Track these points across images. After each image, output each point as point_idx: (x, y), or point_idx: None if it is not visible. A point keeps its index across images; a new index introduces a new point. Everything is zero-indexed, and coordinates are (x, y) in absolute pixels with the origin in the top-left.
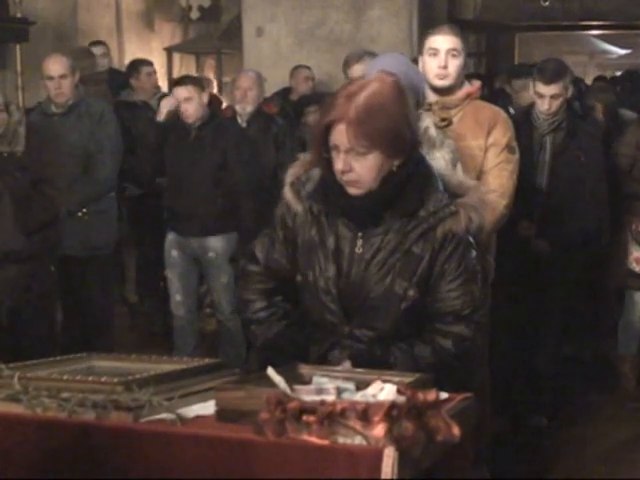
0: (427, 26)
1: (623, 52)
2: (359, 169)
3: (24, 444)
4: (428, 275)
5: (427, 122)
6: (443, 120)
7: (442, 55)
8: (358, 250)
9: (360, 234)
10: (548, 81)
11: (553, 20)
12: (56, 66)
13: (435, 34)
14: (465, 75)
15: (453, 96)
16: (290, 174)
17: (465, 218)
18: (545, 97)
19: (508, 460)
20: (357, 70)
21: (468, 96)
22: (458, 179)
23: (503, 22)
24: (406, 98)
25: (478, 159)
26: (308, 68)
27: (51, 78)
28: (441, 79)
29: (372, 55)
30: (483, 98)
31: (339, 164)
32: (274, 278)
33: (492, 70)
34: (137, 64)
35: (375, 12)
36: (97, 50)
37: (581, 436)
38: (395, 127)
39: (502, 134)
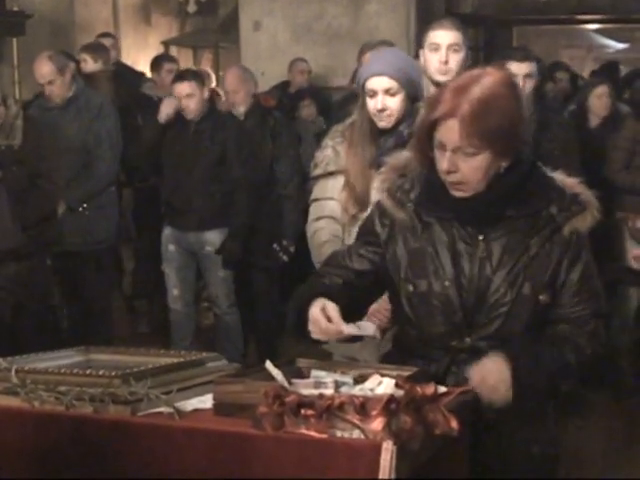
0: (425, 20)
1: (621, 46)
2: (465, 170)
3: (21, 437)
4: (555, 277)
5: None
6: None
7: (443, 50)
8: (482, 254)
9: (481, 237)
10: (522, 58)
11: (551, 14)
12: (42, 71)
13: (436, 29)
14: (467, 68)
15: None
16: (383, 180)
17: (591, 217)
18: (518, 76)
19: None
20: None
21: None
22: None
23: (501, 16)
24: (519, 94)
25: None
26: (305, 61)
27: (40, 83)
28: (442, 74)
29: (388, 45)
30: None
31: (444, 164)
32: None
33: (489, 64)
34: (160, 59)
35: (372, 6)
36: (106, 42)
37: (579, 432)
38: (510, 125)
39: None
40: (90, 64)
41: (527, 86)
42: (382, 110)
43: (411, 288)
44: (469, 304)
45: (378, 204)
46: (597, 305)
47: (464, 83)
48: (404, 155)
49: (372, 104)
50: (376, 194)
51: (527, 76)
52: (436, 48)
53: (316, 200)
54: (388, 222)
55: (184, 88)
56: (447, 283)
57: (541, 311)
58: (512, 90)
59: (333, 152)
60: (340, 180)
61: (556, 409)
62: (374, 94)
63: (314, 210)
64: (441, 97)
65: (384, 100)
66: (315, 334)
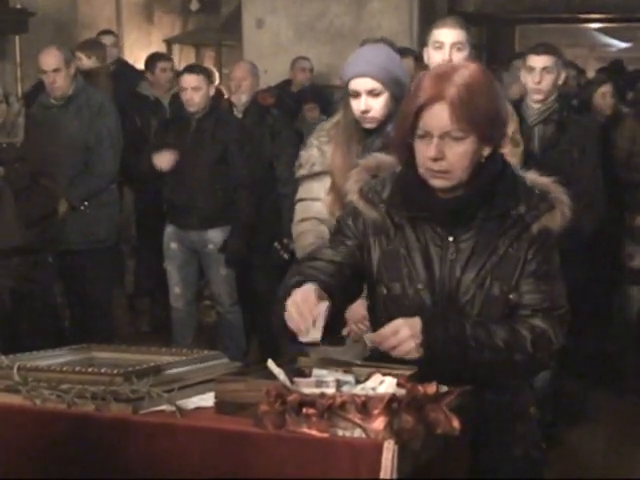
0: (427, 19)
1: (623, 45)
2: (451, 157)
3: (23, 435)
4: (520, 273)
5: None
6: None
7: (447, 49)
8: (451, 256)
9: (451, 239)
10: (541, 52)
11: (553, 13)
12: (50, 59)
13: (440, 27)
14: None
15: None
16: (355, 180)
17: (561, 215)
18: (536, 69)
19: None
20: None
21: None
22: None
23: (503, 15)
24: (497, 84)
25: None
26: (307, 59)
27: (45, 72)
28: None
29: (388, 43)
30: None
31: (431, 151)
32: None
33: (492, 63)
34: (154, 58)
35: (375, 4)
36: (107, 40)
37: (580, 432)
38: (494, 109)
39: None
40: (84, 61)
41: (545, 79)
42: (366, 111)
43: (384, 291)
44: (441, 307)
45: (350, 205)
46: (550, 306)
47: (444, 71)
48: (376, 156)
49: (356, 105)
50: (349, 195)
51: (545, 69)
52: (439, 46)
53: (301, 200)
54: (361, 223)
55: (192, 80)
56: (420, 286)
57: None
58: (491, 79)
59: (319, 152)
60: (326, 181)
61: (557, 409)
62: (357, 95)
63: (299, 211)
64: (422, 84)
65: (367, 101)
66: (291, 321)
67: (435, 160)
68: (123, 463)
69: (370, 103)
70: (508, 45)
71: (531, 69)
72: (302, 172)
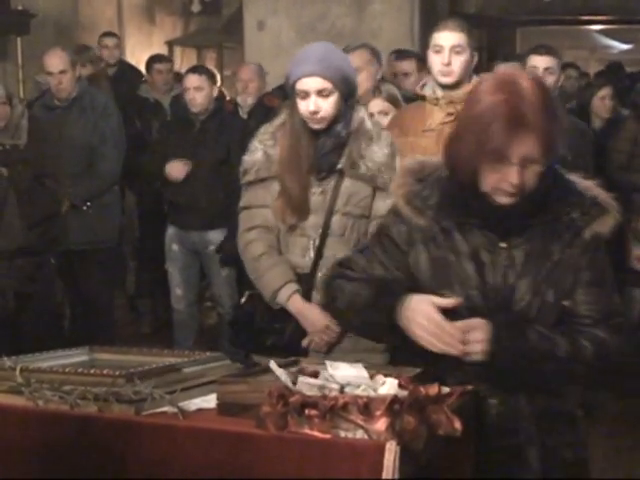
0: (429, 20)
1: (625, 47)
2: (527, 180)
3: (25, 437)
4: (575, 280)
5: (362, 114)
6: (450, 115)
7: (446, 52)
8: (504, 262)
9: (504, 245)
10: (543, 52)
11: (554, 15)
12: (56, 61)
13: (439, 30)
14: (474, 69)
15: (460, 90)
16: (399, 185)
17: (612, 219)
18: (538, 70)
19: None
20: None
21: None
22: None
23: (504, 17)
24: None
25: None
26: None
27: (51, 73)
28: (445, 76)
29: (369, 48)
30: None
31: (513, 178)
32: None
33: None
34: (151, 60)
35: (376, 6)
36: (109, 41)
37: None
38: (559, 125)
39: None
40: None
41: (548, 80)
42: (315, 112)
43: None
44: (495, 313)
45: (395, 211)
46: (608, 314)
47: (507, 91)
48: (418, 158)
49: (304, 106)
50: (393, 200)
51: (547, 70)
52: (439, 50)
53: (247, 208)
54: (406, 229)
55: (195, 80)
56: (472, 292)
57: (563, 316)
58: (549, 91)
59: (264, 156)
60: (273, 187)
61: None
62: (306, 95)
63: (245, 219)
64: (495, 107)
65: (317, 102)
66: (426, 339)
67: (516, 187)
68: (125, 464)
69: (320, 103)
70: (509, 47)
71: (534, 69)
72: (247, 178)
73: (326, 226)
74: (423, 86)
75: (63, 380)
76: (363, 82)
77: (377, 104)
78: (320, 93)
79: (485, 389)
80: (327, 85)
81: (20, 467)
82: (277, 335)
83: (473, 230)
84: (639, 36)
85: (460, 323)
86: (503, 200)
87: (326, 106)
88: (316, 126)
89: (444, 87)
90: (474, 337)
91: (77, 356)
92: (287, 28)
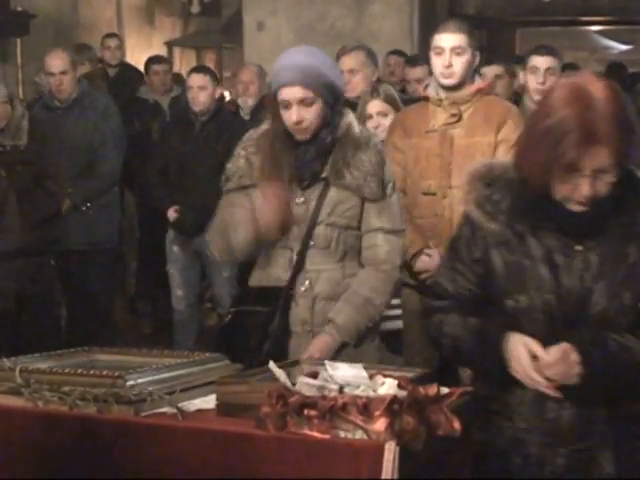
0: (428, 22)
1: (624, 48)
2: (599, 189)
3: (25, 437)
4: None
5: (350, 118)
6: (453, 116)
7: (446, 54)
8: (580, 265)
9: (579, 248)
10: (544, 53)
11: (554, 16)
12: (57, 62)
13: (440, 32)
14: (476, 69)
15: (462, 92)
16: (469, 190)
17: None
18: (539, 70)
19: None
20: (344, 62)
21: (478, 91)
22: None
23: (504, 17)
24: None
25: (488, 155)
26: None
27: (52, 74)
28: (446, 78)
29: (365, 50)
30: None
31: (585, 190)
32: (468, 311)
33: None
34: (148, 62)
35: (376, 7)
36: (111, 42)
37: None
38: (633, 133)
39: (512, 130)
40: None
41: (549, 80)
42: (299, 122)
43: (511, 303)
44: (571, 317)
45: (467, 217)
46: None
47: (586, 103)
48: (488, 162)
49: (287, 116)
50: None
51: (548, 70)
52: (439, 52)
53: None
54: (480, 235)
55: (198, 79)
56: (548, 296)
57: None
58: (622, 96)
59: (246, 163)
60: (255, 194)
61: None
62: (288, 105)
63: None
64: (567, 120)
65: (299, 111)
66: (521, 374)
67: (587, 196)
68: (125, 465)
69: (302, 113)
70: (509, 48)
71: (534, 70)
72: (230, 185)
73: (307, 237)
74: (426, 87)
75: (63, 381)
76: (359, 83)
77: (376, 105)
78: (302, 102)
79: (561, 397)
80: (309, 94)
81: (20, 467)
82: (253, 354)
83: (547, 234)
84: (639, 37)
85: (549, 357)
86: (576, 208)
87: (309, 116)
88: (300, 137)
89: (446, 88)
90: (571, 360)
91: (77, 357)
92: (287, 29)
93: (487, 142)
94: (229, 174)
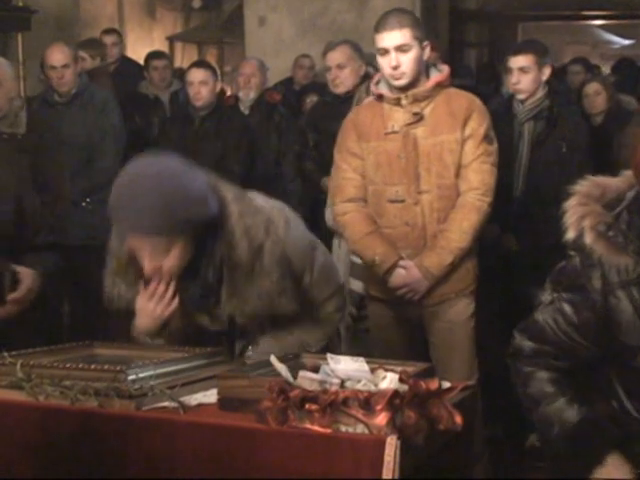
0: (429, 16)
1: (626, 42)
2: None
3: (26, 432)
4: None
5: (230, 236)
6: (415, 114)
7: (391, 54)
8: None
9: None
10: (515, 52)
11: (556, 10)
12: (59, 55)
13: (380, 30)
14: (434, 61)
15: (422, 87)
16: (583, 215)
17: None
18: (513, 70)
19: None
20: (331, 58)
21: (437, 85)
22: None
23: (506, 12)
24: None
25: (456, 153)
26: (307, 57)
27: (54, 68)
28: (397, 79)
29: (350, 44)
30: (488, 95)
31: None
32: (565, 373)
33: (494, 60)
34: (148, 57)
35: (377, 2)
36: (110, 38)
37: None
38: None
39: (479, 124)
40: (88, 61)
41: (523, 79)
42: (159, 275)
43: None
44: None
45: (584, 251)
46: None
47: None
48: (597, 180)
49: (146, 268)
50: (573, 234)
51: (521, 69)
52: (384, 52)
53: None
54: (598, 278)
55: (199, 74)
56: None
57: None
58: None
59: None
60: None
61: None
62: (140, 254)
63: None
64: None
65: (158, 260)
66: None
67: None
68: (126, 459)
69: (167, 265)
70: (511, 43)
71: (509, 70)
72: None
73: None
74: (377, 83)
75: (64, 375)
76: (347, 78)
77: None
78: (156, 252)
79: None
80: (162, 242)
81: (21, 462)
82: None
83: None
84: None
85: None
86: None
87: (166, 264)
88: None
89: (398, 90)
90: None
91: (78, 351)
92: (288, 24)
93: (454, 139)
94: (111, 296)
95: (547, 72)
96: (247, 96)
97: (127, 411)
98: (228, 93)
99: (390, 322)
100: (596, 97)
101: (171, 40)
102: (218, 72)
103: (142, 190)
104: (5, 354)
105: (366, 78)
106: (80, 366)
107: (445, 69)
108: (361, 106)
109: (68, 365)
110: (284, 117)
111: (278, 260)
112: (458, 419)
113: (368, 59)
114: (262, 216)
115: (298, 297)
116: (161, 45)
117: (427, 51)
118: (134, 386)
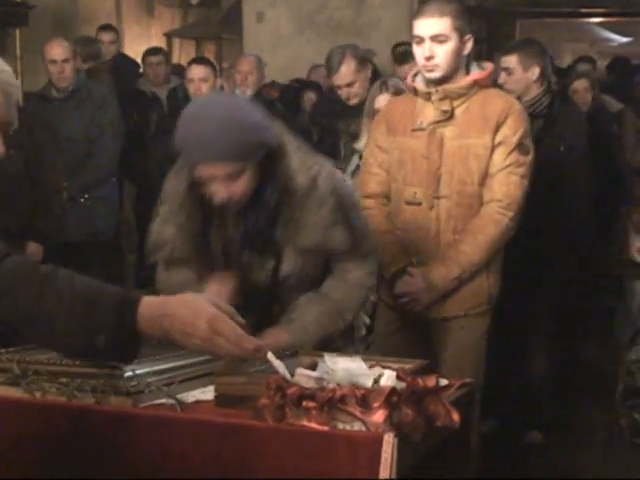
0: None
1: (624, 40)
2: None
3: (23, 429)
4: None
5: (291, 170)
6: (444, 112)
7: (426, 43)
8: None
9: None
10: (503, 52)
11: (554, 7)
12: (59, 50)
13: (417, 17)
14: (475, 57)
15: (455, 84)
16: None
17: None
18: (500, 69)
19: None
20: (338, 78)
21: (475, 83)
22: None
23: (504, 9)
24: None
25: (483, 160)
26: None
27: (54, 62)
28: (429, 71)
29: (353, 57)
30: None
31: None
32: None
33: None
34: (144, 54)
35: None
36: (106, 36)
37: (580, 431)
38: None
39: (513, 131)
40: (82, 64)
41: (508, 81)
42: (229, 198)
43: None
44: None
45: None
46: None
47: None
48: None
49: (213, 195)
50: None
51: (505, 70)
52: (419, 41)
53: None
54: None
55: (200, 71)
56: None
57: None
58: None
59: (179, 233)
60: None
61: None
62: (213, 180)
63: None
64: None
65: (228, 188)
66: None
67: None
68: (123, 456)
69: (233, 189)
70: (509, 40)
71: (500, 70)
72: (161, 257)
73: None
74: (415, 76)
75: (60, 372)
76: (359, 89)
77: (384, 100)
78: (229, 178)
79: None
80: (236, 167)
81: (17, 459)
82: None
83: None
84: (639, 29)
85: None
86: None
87: (237, 189)
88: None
89: (434, 82)
90: None
91: None
92: (286, 20)
93: (482, 144)
94: (158, 241)
95: (537, 71)
96: (244, 93)
97: (124, 408)
98: (226, 90)
99: (397, 329)
100: (586, 94)
101: (169, 36)
102: (218, 69)
103: (214, 117)
104: (2, 350)
105: (376, 76)
106: (77, 363)
107: (488, 67)
108: (396, 98)
109: (65, 362)
110: (281, 113)
111: (332, 191)
112: (455, 416)
113: (367, 55)
114: (313, 153)
115: (350, 233)
116: (159, 41)
117: (469, 45)
118: (131, 383)
